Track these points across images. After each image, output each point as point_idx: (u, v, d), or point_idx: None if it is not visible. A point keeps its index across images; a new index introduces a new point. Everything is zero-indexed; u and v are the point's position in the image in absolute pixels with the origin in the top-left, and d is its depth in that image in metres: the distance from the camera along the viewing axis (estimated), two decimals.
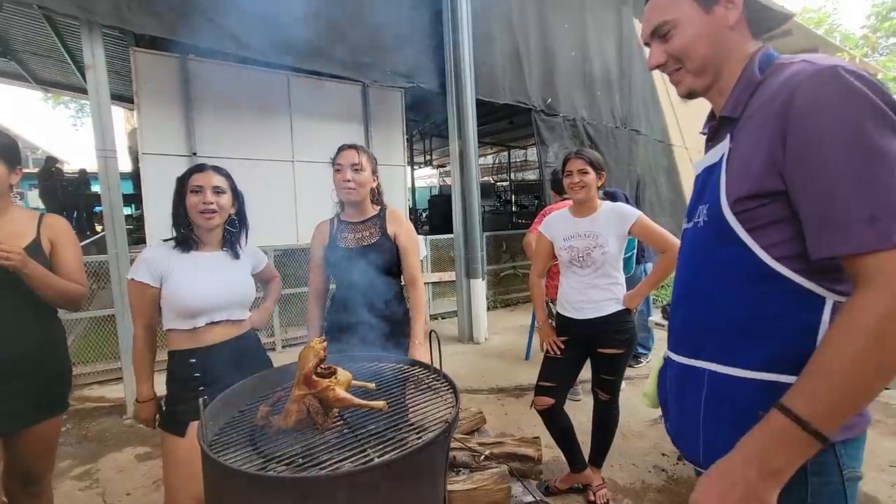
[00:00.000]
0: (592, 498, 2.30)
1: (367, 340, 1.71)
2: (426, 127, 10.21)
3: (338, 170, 1.83)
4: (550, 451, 2.56)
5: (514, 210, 14.32)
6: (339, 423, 1.15)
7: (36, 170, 10.09)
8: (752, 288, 0.83)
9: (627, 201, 3.28)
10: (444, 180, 19.69)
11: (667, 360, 1.06)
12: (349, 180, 1.80)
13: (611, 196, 3.19)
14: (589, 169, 2.13)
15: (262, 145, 4.66)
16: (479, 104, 4.95)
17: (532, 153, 14.17)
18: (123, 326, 3.32)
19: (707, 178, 0.92)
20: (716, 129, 0.94)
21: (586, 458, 2.36)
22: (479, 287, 5.10)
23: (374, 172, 1.90)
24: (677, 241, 2.07)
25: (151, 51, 4.13)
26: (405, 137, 5.77)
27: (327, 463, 0.97)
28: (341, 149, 1.87)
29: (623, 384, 2.60)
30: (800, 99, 0.73)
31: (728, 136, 0.88)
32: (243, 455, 1.01)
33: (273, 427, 1.10)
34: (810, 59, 0.77)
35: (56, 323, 1.66)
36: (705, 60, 0.91)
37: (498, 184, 16.49)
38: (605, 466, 2.45)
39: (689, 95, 0.98)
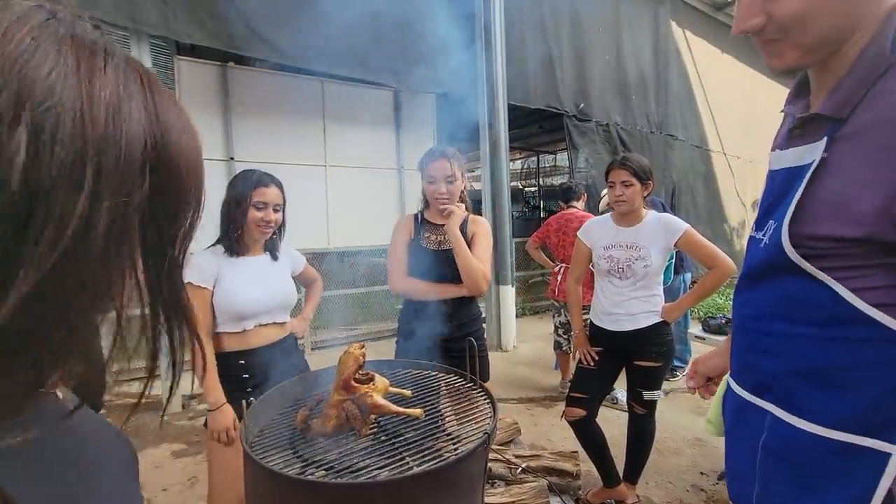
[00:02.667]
0: None
1: (442, 343, 1.72)
2: (455, 131, 10.23)
3: (430, 182, 1.76)
4: (583, 465, 2.49)
5: (542, 216, 14.17)
6: (374, 430, 1.14)
7: None
8: (834, 330, 0.67)
9: (664, 208, 3.19)
10: (471, 185, 19.61)
11: (728, 386, 0.92)
12: (444, 193, 1.75)
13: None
14: (633, 180, 2.00)
15: (296, 149, 4.75)
16: (509, 108, 4.92)
17: (561, 158, 14.00)
18: None
19: (786, 186, 0.73)
20: (807, 120, 0.71)
21: (619, 473, 2.29)
22: (509, 294, 5.06)
23: (464, 176, 1.82)
24: (726, 258, 1.96)
25: (193, 59, 4.28)
26: (436, 142, 5.80)
27: (365, 470, 0.96)
28: (432, 158, 1.76)
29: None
30: None
31: (825, 138, 0.66)
32: (283, 458, 1.02)
33: (311, 431, 1.10)
34: None
35: None
36: (826, 33, 0.65)
37: (526, 189, 16.35)
38: (640, 483, 2.37)
39: (786, 73, 0.72)
